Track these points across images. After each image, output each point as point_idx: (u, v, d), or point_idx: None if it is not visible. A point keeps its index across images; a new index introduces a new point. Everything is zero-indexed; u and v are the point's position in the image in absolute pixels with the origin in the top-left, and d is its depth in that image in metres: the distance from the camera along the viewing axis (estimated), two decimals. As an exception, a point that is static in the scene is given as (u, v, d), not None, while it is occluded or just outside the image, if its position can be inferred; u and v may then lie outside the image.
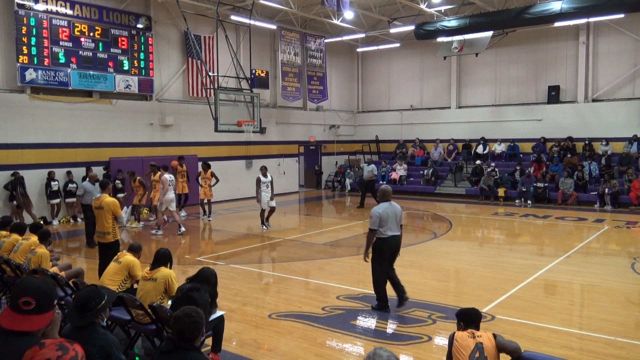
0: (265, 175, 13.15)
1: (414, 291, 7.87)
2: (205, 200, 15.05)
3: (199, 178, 14.99)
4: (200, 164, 15.40)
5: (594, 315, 6.90)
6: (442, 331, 6.18)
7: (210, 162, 15.39)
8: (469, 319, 4.03)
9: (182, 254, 10.77)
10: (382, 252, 6.89)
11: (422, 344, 5.85)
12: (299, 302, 7.46)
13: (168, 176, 12.93)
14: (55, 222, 14.66)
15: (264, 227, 13.39)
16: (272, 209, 13.49)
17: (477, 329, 3.97)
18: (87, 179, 12.14)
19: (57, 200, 14.70)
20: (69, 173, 15.05)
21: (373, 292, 7.34)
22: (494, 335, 3.87)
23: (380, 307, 6.98)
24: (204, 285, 4.90)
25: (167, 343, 3.29)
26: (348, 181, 23.15)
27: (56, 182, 14.61)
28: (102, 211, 7.71)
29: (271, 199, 13.18)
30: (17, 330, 2.51)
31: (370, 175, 17.09)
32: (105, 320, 3.96)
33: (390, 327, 6.46)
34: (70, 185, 14.95)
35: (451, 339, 3.92)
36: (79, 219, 15.24)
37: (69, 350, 2.39)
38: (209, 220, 14.90)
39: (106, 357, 3.28)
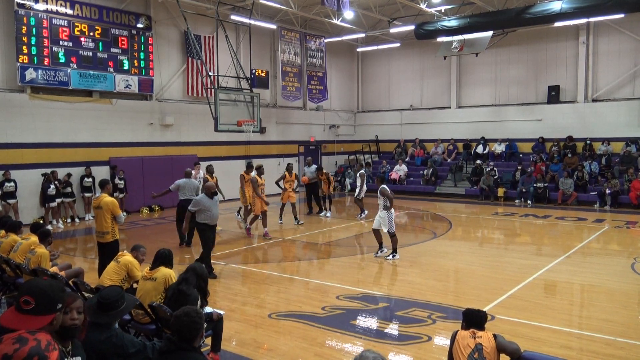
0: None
1: (414, 291, 7.87)
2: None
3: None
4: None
5: (594, 315, 6.89)
6: (442, 331, 6.18)
7: (210, 162, 15.05)
8: (471, 319, 4.05)
9: (183, 254, 10.76)
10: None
11: (422, 344, 5.85)
12: (299, 302, 7.46)
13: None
14: (56, 223, 14.48)
15: None
16: None
17: (481, 329, 3.97)
18: (204, 191, 9.17)
19: (59, 200, 14.59)
20: (71, 174, 14.99)
21: (373, 292, 7.31)
22: (495, 336, 3.87)
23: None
24: (188, 274, 5.10)
25: (166, 343, 3.29)
26: (348, 181, 23.16)
27: (57, 183, 14.50)
28: (101, 211, 7.69)
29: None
30: (13, 329, 2.48)
31: (313, 176, 15.73)
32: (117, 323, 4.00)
33: (390, 327, 6.46)
34: (66, 187, 14.83)
35: (453, 337, 3.95)
36: (77, 219, 15.23)
37: (28, 341, 2.27)
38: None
39: (123, 356, 3.30)
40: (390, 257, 9.95)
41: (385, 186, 10.14)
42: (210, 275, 8.40)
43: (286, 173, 14.22)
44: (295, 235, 12.87)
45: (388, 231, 9.96)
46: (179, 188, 11.31)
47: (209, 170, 13.19)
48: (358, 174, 15.38)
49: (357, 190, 15.14)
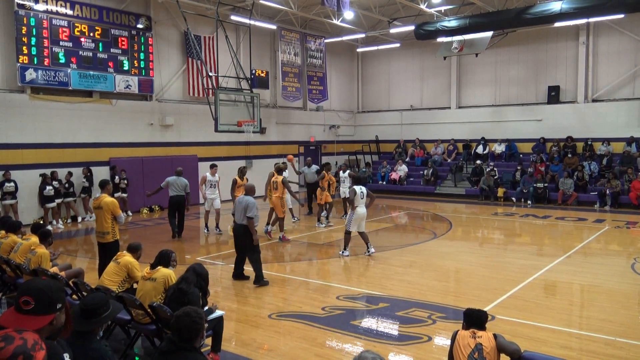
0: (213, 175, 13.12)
1: (414, 291, 7.87)
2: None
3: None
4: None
5: (593, 316, 6.90)
6: (442, 331, 6.18)
7: (244, 165, 14.63)
8: (471, 320, 4.06)
9: (183, 254, 10.76)
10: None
11: (422, 344, 5.85)
12: (299, 302, 7.46)
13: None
14: (56, 224, 14.45)
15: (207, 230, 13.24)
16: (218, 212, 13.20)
17: (481, 329, 3.98)
18: (247, 193, 8.72)
19: (59, 201, 14.58)
20: (72, 173, 14.99)
21: (373, 292, 7.29)
22: (495, 336, 3.88)
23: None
24: (188, 274, 5.19)
25: (166, 343, 3.29)
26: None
27: (57, 183, 14.50)
28: (102, 211, 7.70)
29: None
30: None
31: (313, 177, 15.69)
32: (102, 330, 3.91)
33: (390, 327, 6.46)
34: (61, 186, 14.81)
35: (453, 337, 3.97)
36: (79, 218, 15.25)
37: (14, 340, 2.21)
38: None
39: None
40: (341, 252, 10.32)
41: (355, 187, 10.17)
42: (262, 282, 8.22)
43: (324, 173, 14.36)
44: (295, 235, 12.87)
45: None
46: (168, 185, 12.20)
47: (242, 172, 12.86)
48: (346, 174, 15.28)
49: (345, 190, 14.93)
